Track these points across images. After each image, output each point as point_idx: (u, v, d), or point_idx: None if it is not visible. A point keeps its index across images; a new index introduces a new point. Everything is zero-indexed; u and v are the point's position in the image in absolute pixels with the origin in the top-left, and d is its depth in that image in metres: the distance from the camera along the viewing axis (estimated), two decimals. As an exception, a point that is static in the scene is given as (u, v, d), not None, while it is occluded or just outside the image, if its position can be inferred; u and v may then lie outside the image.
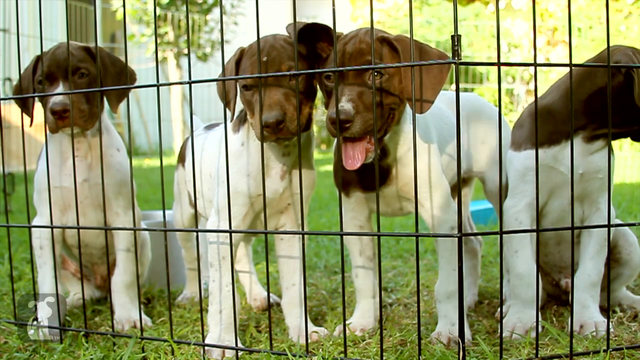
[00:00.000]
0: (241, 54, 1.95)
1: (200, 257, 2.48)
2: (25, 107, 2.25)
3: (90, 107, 2.21)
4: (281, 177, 2.04)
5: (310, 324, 2.13)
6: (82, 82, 2.22)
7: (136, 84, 2.22)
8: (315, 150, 2.24)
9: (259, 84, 1.84)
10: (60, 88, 2.16)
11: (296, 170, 2.05)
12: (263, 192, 1.88)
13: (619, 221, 2.33)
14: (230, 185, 1.96)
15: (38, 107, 2.27)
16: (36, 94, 2.20)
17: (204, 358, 1.91)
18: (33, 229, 2.29)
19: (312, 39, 1.95)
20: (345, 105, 1.75)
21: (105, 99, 2.30)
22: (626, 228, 2.35)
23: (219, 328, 2.00)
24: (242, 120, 2.05)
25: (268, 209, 2.05)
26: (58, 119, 2.13)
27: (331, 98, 1.82)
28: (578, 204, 2.13)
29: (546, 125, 2.10)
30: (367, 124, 1.76)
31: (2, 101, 2.24)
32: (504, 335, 2.02)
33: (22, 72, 2.26)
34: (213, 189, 2.12)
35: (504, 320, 2.11)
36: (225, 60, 1.95)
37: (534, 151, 2.05)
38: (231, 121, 2.04)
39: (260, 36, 1.85)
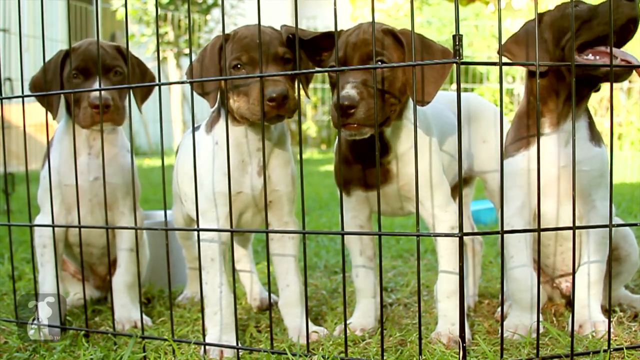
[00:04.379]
0: (226, 39, 1.97)
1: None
2: (49, 102, 2.24)
3: (124, 105, 2.23)
4: (258, 173, 2.06)
5: (310, 323, 2.13)
6: (117, 80, 2.25)
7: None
8: (315, 150, 2.25)
9: (259, 61, 1.86)
10: (97, 83, 2.17)
11: (273, 167, 2.08)
12: (265, 189, 1.88)
13: (619, 219, 2.32)
14: (209, 186, 1.98)
15: (39, 107, 2.27)
16: (78, 89, 2.18)
17: (204, 358, 1.91)
18: (36, 228, 2.29)
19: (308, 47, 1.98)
20: (350, 91, 1.77)
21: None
22: (627, 228, 2.34)
23: (216, 330, 2.00)
24: (213, 121, 2.09)
25: (248, 207, 2.08)
26: (97, 113, 2.13)
27: (335, 87, 1.84)
28: (570, 202, 2.11)
29: (520, 129, 2.12)
30: (371, 110, 1.78)
31: (2, 101, 2.22)
32: (506, 335, 2.02)
33: (45, 64, 2.24)
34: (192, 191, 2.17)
35: (505, 322, 2.11)
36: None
37: (516, 156, 2.10)
38: (215, 115, 2.09)
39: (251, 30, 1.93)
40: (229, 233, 2.04)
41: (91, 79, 2.19)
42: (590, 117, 2.12)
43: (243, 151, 2.04)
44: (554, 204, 2.10)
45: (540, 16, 2.06)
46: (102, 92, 2.11)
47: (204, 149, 2.06)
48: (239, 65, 1.94)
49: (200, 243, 2.00)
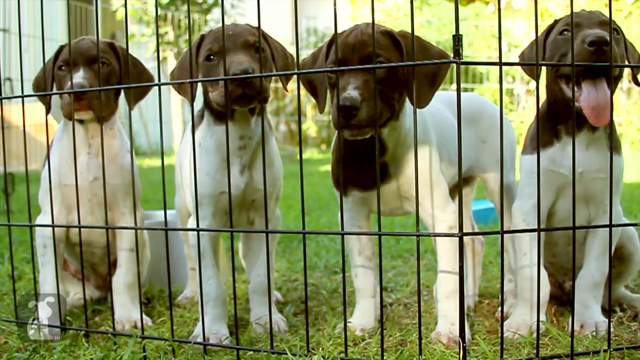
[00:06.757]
0: (201, 39, 2.06)
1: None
2: (44, 96, 2.24)
3: (107, 97, 2.23)
4: (240, 172, 2.09)
5: (273, 309, 2.21)
6: (103, 71, 2.24)
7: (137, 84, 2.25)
8: (315, 150, 2.26)
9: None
10: (80, 72, 2.17)
11: (256, 167, 2.13)
12: (264, 182, 1.88)
13: (626, 220, 2.33)
14: (195, 186, 2.00)
15: (39, 107, 2.27)
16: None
17: (204, 358, 1.91)
18: (37, 228, 2.29)
19: None
20: (352, 92, 1.77)
21: (124, 97, 2.32)
22: (632, 229, 2.35)
23: (207, 318, 2.06)
24: (196, 124, 2.13)
25: (232, 206, 2.10)
26: (75, 100, 2.14)
27: (335, 89, 1.84)
28: (583, 205, 2.14)
29: (542, 128, 2.13)
30: (373, 111, 1.79)
31: (2, 101, 2.22)
32: (506, 335, 2.02)
33: (45, 63, 2.25)
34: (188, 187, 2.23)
35: (507, 321, 2.12)
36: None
37: (534, 154, 2.08)
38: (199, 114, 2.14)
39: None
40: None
41: (75, 69, 2.19)
42: (612, 127, 2.13)
43: (225, 151, 2.05)
44: (567, 205, 2.12)
45: (554, 23, 2.11)
46: (80, 78, 2.13)
47: (190, 151, 2.12)
48: (209, 56, 2.01)
49: (191, 240, 2.11)
